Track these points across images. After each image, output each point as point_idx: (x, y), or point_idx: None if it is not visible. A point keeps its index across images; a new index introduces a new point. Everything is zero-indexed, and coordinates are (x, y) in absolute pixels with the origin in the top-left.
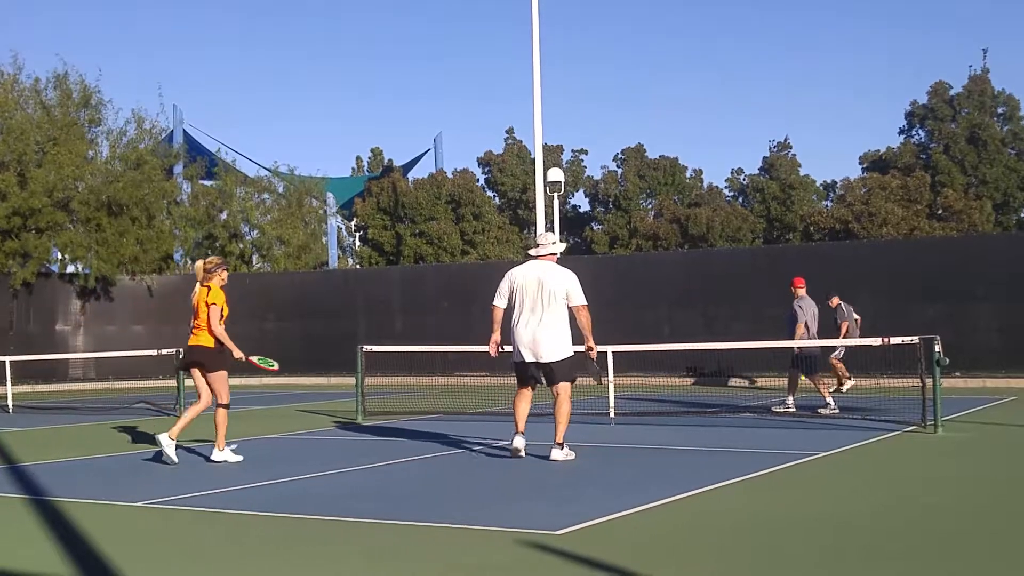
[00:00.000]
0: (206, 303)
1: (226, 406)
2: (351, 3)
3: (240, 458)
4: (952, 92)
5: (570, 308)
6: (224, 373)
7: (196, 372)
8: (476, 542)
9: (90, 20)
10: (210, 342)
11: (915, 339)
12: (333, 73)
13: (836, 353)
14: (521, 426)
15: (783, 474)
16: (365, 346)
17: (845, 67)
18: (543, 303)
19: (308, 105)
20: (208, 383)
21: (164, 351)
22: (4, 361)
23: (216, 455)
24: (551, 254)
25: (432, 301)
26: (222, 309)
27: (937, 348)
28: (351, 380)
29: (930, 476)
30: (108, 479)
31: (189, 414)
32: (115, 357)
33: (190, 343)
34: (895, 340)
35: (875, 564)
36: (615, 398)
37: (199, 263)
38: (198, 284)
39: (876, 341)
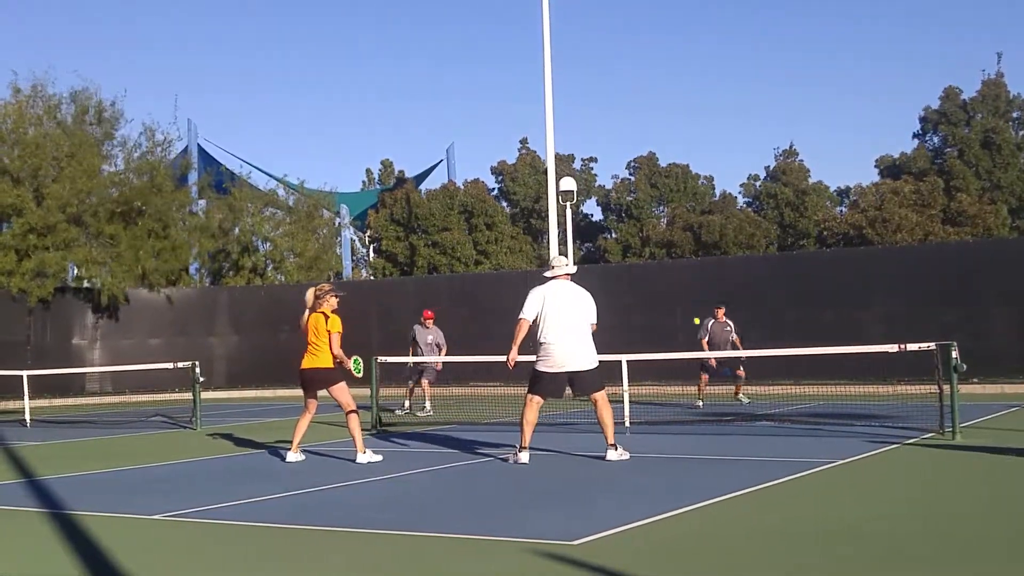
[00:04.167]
0: (327, 330)
1: (355, 411)
2: (359, 15)
3: (380, 457)
4: (965, 96)
5: None
6: (343, 384)
7: (310, 390)
8: (489, 552)
9: (103, 34)
10: (329, 363)
11: (932, 345)
12: (343, 86)
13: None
14: (527, 441)
15: (800, 483)
16: (379, 357)
17: (858, 72)
18: (576, 318)
19: (318, 118)
20: (333, 396)
21: (180, 364)
22: (21, 375)
23: (360, 458)
24: (566, 274)
25: (446, 311)
26: (340, 334)
27: (954, 354)
28: (365, 391)
29: (949, 483)
30: (125, 492)
31: (302, 426)
32: (131, 370)
33: (306, 365)
34: (912, 346)
35: (895, 572)
36: (630, 407)
37: (309, 292)
38: (307, 310)
39: (893, 347)
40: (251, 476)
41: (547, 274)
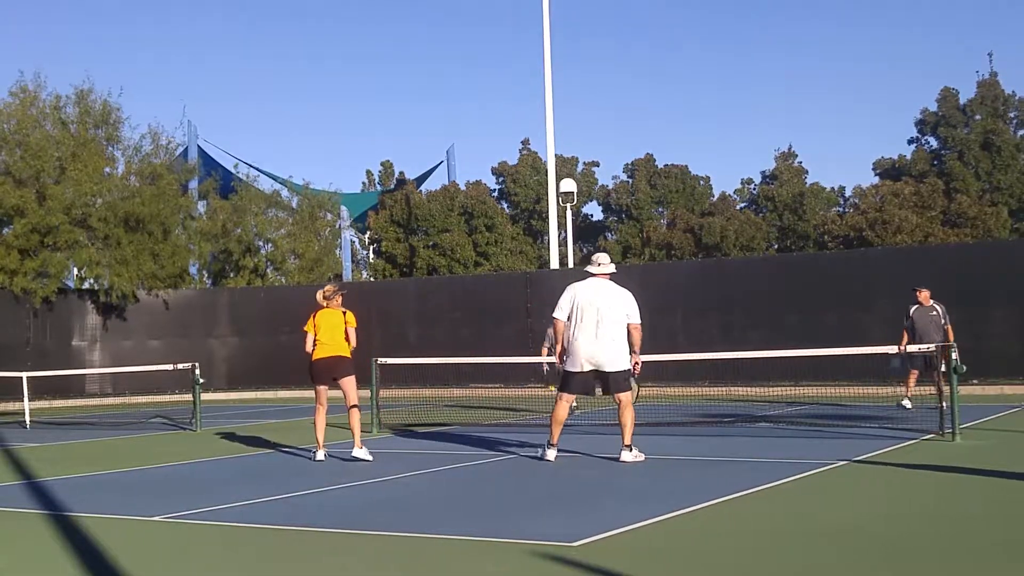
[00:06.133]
0: (345, 323)
1: (358, 406)
2: (359, 16)
3: (371, 458)
4: (962, 97)
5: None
6: (354, 377)
7: (324, 377)
8: (491, 554)
9: (104, 35)
10: (348, 351)
11: (932, 346)
12: (343, 87)
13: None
14: (556, 438)
15: (802, 484)
16: (379, 359)
17: (855, 74)
18: (605, 317)
19: (318, 119)
20: (343, 387)
21: (180, 365)
22: (21, 377)
23: (356, 452)
24: (606, 274)
25: (446, 313)
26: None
27: (954, 355)
28: (365, 392)
29: (949, 484)
30: (125, 494)
31: (320, 423)
32: (131, 372)
33: (328, 354)
34: (911, 348)
35: (896, 573)
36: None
37: (319, 293)
38: (326, 307)
39: (892, 349)
40: (251, 478)
41: (590, 269)
